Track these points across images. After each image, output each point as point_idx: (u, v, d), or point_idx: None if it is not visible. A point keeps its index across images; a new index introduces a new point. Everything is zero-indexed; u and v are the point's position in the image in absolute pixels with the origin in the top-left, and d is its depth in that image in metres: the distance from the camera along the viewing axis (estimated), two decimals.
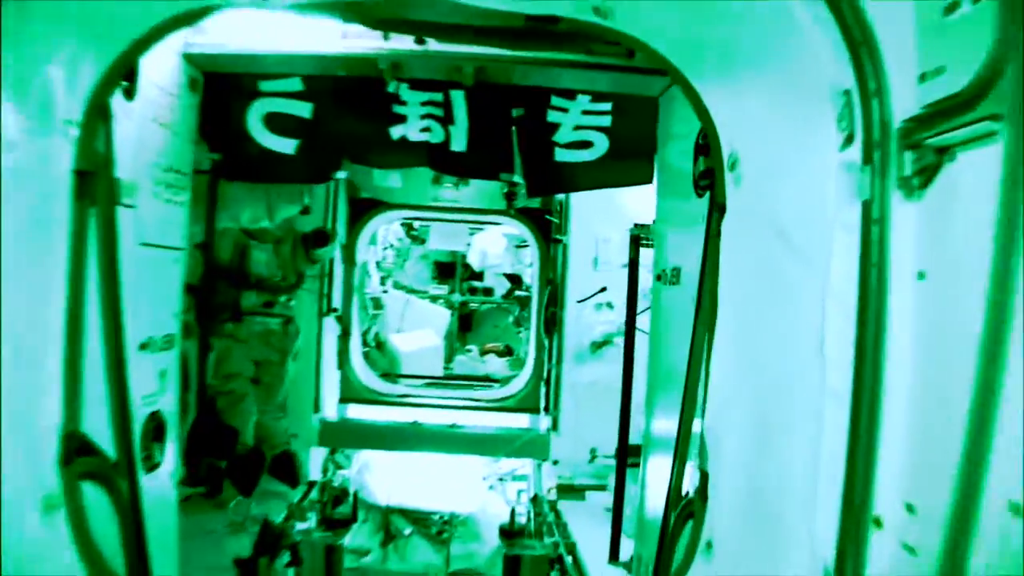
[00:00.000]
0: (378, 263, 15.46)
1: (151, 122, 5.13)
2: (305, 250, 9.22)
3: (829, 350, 3.10)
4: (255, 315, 9.04)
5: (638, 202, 9.73)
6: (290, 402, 9.57)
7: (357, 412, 10.95)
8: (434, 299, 17.27)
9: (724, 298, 4.33)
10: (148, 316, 5.31)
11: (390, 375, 13.45)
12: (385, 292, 15.41)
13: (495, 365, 16.08)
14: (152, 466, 5.39)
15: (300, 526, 8.80)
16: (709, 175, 4.78)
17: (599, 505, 9.57)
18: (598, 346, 9.74)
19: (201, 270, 7.95)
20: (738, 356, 4.15)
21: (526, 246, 16.07)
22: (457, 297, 17.70)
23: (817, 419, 3.16)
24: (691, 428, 4.87)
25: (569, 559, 8.18)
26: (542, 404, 10.83)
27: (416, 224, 16.94)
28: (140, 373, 5.16)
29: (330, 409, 10.53)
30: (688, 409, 4.87)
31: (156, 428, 5.45)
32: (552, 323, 10.06)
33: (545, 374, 10.39)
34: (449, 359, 16.45)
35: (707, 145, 4.84)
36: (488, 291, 17.88)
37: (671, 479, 5.04)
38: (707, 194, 4.81)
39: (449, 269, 18.10)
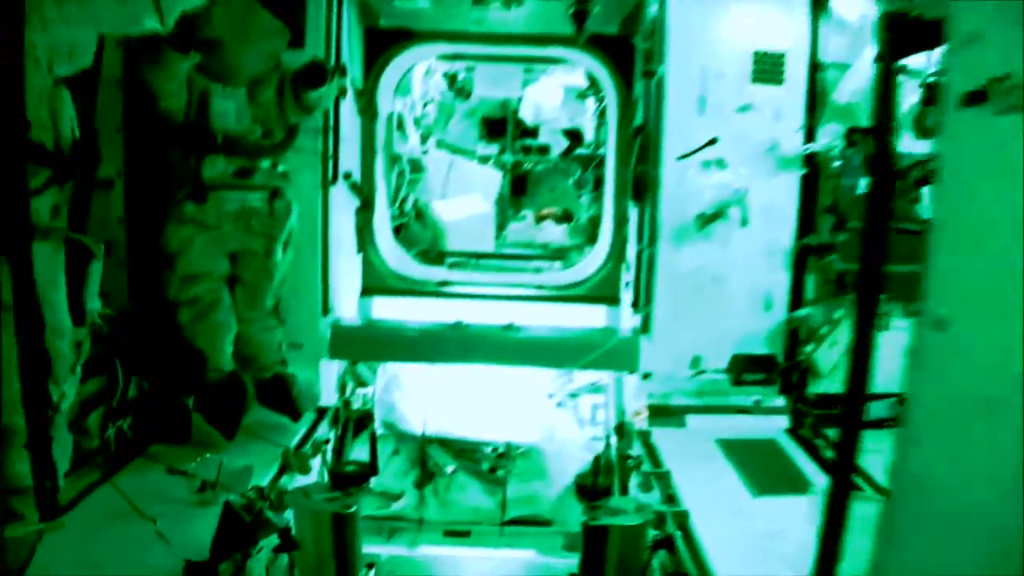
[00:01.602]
0: (416, 120, 12.09)
1: None
2: (295, 94, 5.90)
3: None
4: (226, 189, 5.82)
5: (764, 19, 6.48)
6: (287, 304, 6.44)
7: (384, 308, 7.77)
8: (483, 160, 13.93)
9: None
10: None
11: (430, 253, 10.26)
12: (425, 153, 12.06)
13: (553, 233, 12.89)
14: None
15: (300, 481, 5.79)
16: None
17: (705, 434, 6.44)
18: (707, 219, 6.41)
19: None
20: None
21: (589, 96, 12.69)
22: (509, 157, 14.32)
23: None
24: None
25: (679, 534, 5.10)
26: (623, 294, 7.62)
27: (460, 75, 13.62)
28: None
29: (347, 307, 7.38)
30: None
31: None
32: (642, 187, 6.73)
33: (634, 257, 7.09)
34: (501, 226, 13.24)
35: None
36: (543, 149, 14.44)
37: None
38: None
39: (499, 126, 14.64)
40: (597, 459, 6.13)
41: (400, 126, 10.91)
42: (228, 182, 5.75)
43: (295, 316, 6.56)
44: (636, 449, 6.31)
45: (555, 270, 8.83)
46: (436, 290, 7.84)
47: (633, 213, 7.02)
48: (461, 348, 6.77)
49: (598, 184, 11.99)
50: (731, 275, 6.54)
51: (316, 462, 5.99)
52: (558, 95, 13.90)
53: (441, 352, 6.80)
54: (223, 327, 5.86)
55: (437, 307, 7.69)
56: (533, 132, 14.51)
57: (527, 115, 14.04)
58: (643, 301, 6.65)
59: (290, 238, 6.09)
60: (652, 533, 5.05)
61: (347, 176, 6.97)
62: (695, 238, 6.47)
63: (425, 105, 12.94)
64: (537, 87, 13.91)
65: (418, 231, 11.24)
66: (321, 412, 6.63)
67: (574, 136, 13.98)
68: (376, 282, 7.75)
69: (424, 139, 12.45)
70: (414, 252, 9.23)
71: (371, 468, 5.54)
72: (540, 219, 13.52)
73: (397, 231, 10.80)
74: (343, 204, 7.07)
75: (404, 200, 11.00)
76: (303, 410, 6.27)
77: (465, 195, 11.96)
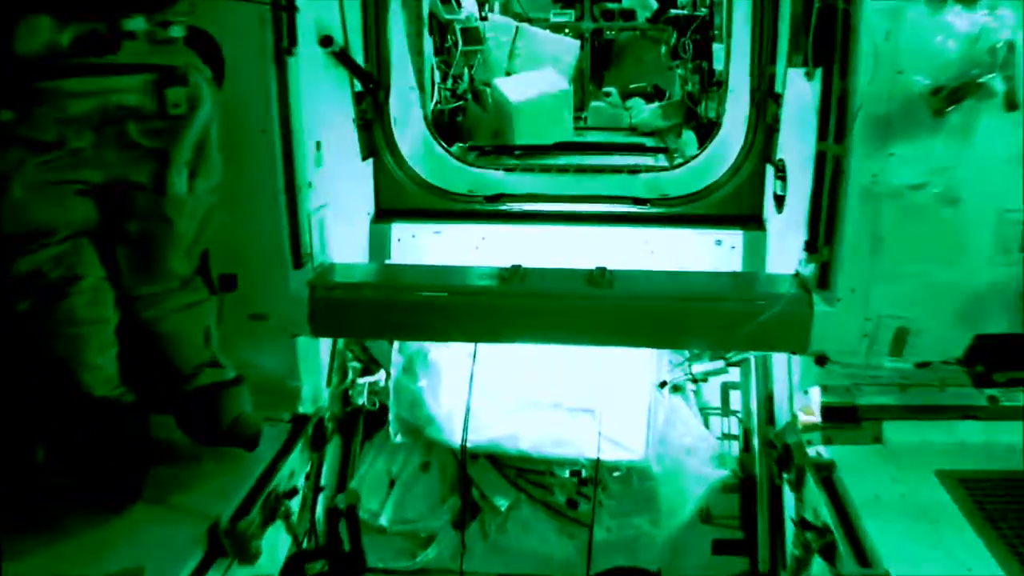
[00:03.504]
0: None
1: None
2: None
3: None
4: (67, 77, 2.89)
5: None
6: (227, 256, 3.59)
7: (410, 240, 4.78)
8: (556, 29, 10.66)
9: None
10: None
11: (486, 148, 7.24)
12: (484, 20, 8.82)
13: (643, 113, 9.79)
14: None
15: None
16: None
17: (917, 459, 3.42)
18: (949, 97, 3.24)
19: None
20: None
21: None
22: (588, 24, 11.04)
23: None
24: None
25: None
26: (769, 215, 4.52)
27: None
28: None
29: (348, 244, 4.43)
30: None
31: None
32: (825, 39, 3.46)
33: (803, 161, 3.77)
34: (581, 107, 10.13)
35: None
36: (628, 14, 11.23)
37: None
38: None
39: None
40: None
41: None
42: (69, 63, 2.80)
43: (249, 273, 3.71)
44: (811, 492, 3.36)
45: (657, 169, 5.64)
46: (488, 208, 4.80)
47: (799, 87, 3.82)
48: (521, 316, 3.79)
49: (700, 51, 8.71)
50: (971, 195, 3.38)
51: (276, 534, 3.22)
52: None
53: (489, 322, 3.83)
54: (89, 321, 2.99)
55: (488, 236, 4.70)
56: None
57: None
58: (823, 238, 3.54)
59: (207, 151, 3.13)
60: None
61: (326, 42, 3.91)
62: (918, 130, 3.30)
63: None
64: None
65: (479, 118, 8.22)
66: (300, 423, 3.80)
67: None
68: (397, 200, 4.74)
69: (482, 3, 9.22)
70: (463, 148, 6.20)
71: (354, 563, 2.70)
72: (627, 96, 10.35)
73: (451, 119, 7.77)
74: (325, 86, 4.03)
75: (457, 80, 7.93)
76: (255, 431, 3.44)
77: (535, 70, 8.77)
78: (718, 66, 7.77)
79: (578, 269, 3.85)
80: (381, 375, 4.35)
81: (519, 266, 3.87)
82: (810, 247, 3.57)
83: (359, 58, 4.39)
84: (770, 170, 4.39)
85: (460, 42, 7.79)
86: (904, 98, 3.24)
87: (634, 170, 5.39)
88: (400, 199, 4.75)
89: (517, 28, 9.18)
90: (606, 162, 6.61)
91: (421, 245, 4.65)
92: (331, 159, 4.03)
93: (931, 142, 3.30)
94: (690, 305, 3.70)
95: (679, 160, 5.89)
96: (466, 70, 8.04)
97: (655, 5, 10.88)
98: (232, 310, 3.70)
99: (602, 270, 3.79)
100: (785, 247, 4.14)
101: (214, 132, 3.11)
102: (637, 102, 10.27)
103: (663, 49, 10.03)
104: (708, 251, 4.54)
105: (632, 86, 10.66)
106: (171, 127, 2.96)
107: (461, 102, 8.04)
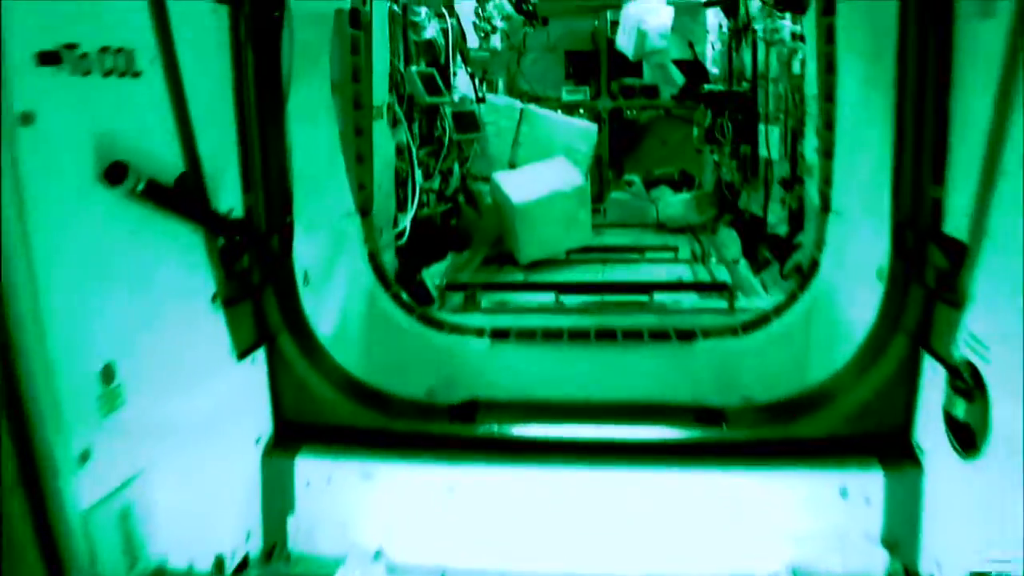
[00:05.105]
0: (463, 51, 6.82)
1: None
2: None
3: None
4: None
5: None
6: None
7: (327, 487, 2.72)
8: (569, 109, 8.75)
9: None
10: None
11: (473, 287, 5.19)
12: (482, 101, 6.82)
13: (672, 205, 7.90)
14: None
15: None
16: None
17: None
18: None
19: None
20: None
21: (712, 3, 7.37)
22: (605, 103, 9.15)
23: None
24: None
25: None
26: (922, 433, 2.44)
27: None
28: None
29: (222, 500, 2.40)
30: None
31: None
32: None
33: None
34: (599, 196, 8.27)
35: None
36: (650, 90, 9.35)
37: None
38: None
39: (590, 64, 9.56)
40: None
41: (437, 59, 5.83)
42: None
43: None
44: None
45: (721, 329, 3.54)
46: (455, 433, 2.75)
47: None
48: None
49: (741, 132, 6.76)
50: None
51: None
52: (667, 14, 8.66)
53: None
54: None
55: (457, 486, 2.63)
56: (635, 68, 9.33)
57: (625, 45, 8.83)
58: None
59: None
60: None
61: (115, 174, 1.88)
62: None
63: (485, 35, 7.74)
64: (637, 5, 8.70)
65: (474, 223, 6.26)
66: None
67: (693, 69, 8.74)
68: (305, 412, 2.68)
69: (482, 80, 7.26)
70: (439, 287, 4.21)
71: None
72: (650, 185, 8.44)
73: (443, 223, 5.82)
74: (129, 251, 2.02)
75: (447, 176, 5.96)
76: None
77: (544, 161, 6.75)
78: (765, 152, 5.89)
79: None
80: None
81: None
82: None
83: (232, 185, 2.39)
84: (930, 364, 2.34)
85: (449, 129, 5.84)
86: None
87: (686, 333, 3.32)
88: (311, 411, 2.72)
89: (522, 111, 7.24)
90: (636, 298, 4.59)
91: (343, 499, 2.60)
92: (156, 379, 2.01)
93: None
94: None
95: (749, 307, 3.79)
96: (456, 165, 6.07)
97: (680, 80, 9.02)
98: None
99: None
100: (966, 502, 2.10)
101: None
102: (664, 191, 8.34)
103: (695, 131, 8.11)
104: (829, 508, 2.48)
105: (657, 172, 8.77)
106: None
107: (450, 204, 6.08)
